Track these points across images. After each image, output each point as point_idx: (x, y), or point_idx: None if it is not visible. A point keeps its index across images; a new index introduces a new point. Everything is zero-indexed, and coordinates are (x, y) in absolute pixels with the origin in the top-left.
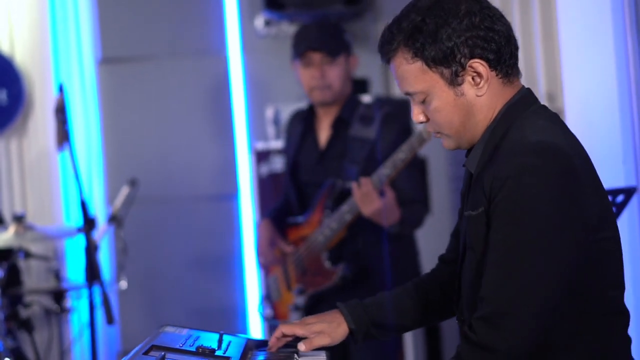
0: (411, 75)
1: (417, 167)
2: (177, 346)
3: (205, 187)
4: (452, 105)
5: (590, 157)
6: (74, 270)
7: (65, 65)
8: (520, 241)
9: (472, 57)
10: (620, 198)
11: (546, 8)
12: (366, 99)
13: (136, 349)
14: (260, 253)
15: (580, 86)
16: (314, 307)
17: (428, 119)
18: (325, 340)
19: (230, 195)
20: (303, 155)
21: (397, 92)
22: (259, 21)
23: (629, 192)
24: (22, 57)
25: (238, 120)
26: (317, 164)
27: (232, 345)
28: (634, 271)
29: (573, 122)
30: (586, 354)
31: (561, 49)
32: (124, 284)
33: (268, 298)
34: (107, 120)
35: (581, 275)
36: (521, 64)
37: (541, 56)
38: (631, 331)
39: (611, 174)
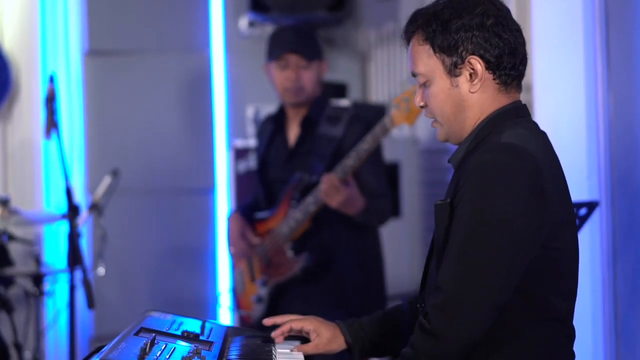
0: (418, 57)
1: (381, 164)
2: (164, 330)
3: (184, 180)
4: (446, 94)
5: None
6: (52, 255)
7: (52, 54)
8: (477, 234)
9: (472, 54)
10: (583, 211)
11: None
12: (344, 103)
13: (126, 330)
14: (231, 243)
15: (550, 104)
16: (276, 298)
17: (427, 105)
18: (333, 346)
19: (207, 189)
20: (272, 153)
21: (373, 97)
22: (243, 22)
23: (591, 206)
24: (10, 45)
25: (218, 118)
26: (285, 162)
27: (214, 331)
28: (592, 281)
29: None
30: (524, 356)
31: (533, 68)
32: (101, 271)
33: (233, 291)
34: (90, 111)
35: (528, 277)
36: None
37: None
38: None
39: (576, 188)
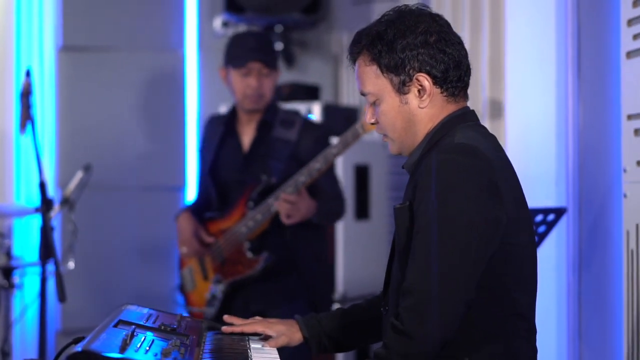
0: (367, 77)
1: (332, 165)
2: (142, 322)
3: (154, 178)
4: (396, 111)
5: (527, 178)
6: (21, 248)
7: (26, 49)
8: (438, 233)
9: (419, 71)
10: (551, 217)
11: (495, 42)
12: (317, 106)
13: (104, 321)
14: (184, 243)
15: (521, 112)
16: (231, 294)
17: (378, 122)
18: (284, 340)
19: (177, 187)
20: (225, 156)
21: (345, 100)
22: (218, 22)
23: (559, 212)
24: None
25: (190, 116)
26: (241, 165)
27: (189, 325)
28: (558, 285)
29: (513, 145)
30: (488, 351)
31: (506, 79)
32: (71, 265)
33: (181, 288)
34: (63, 106)
35: (489, 273)
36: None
37: (487, 83)
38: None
39: (544, 194)
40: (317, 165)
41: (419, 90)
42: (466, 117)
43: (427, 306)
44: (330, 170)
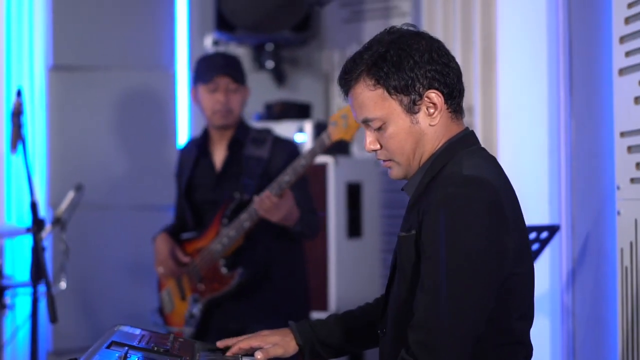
0: (371, 102)
1: (306, 180)
2: (135, 344)
3: (146, 197)
4: (406, 132)
5: (520, 196)
6: (12, 269)
7: (17, 69)
8: (450, 268)
9: (429, 88)
10: (544, 234)
11: (487, 59)
12: (308, 124)
13: (97, 343)
14: (160, 263)
15: (513, 129)
16: (209, 312)
17: (381, 147)
18: (279, 351)
19: (169, 206)
20: (198, 176)
21: None
22: (208, 40)
23: (552, 230)
24: None
25: (181, 134)
26: (214, 184)
27: (183, 346)
28: (552, 303)
29: (506, 164)
30: None
31: (498, 97)
32: (63, 285)
33: (160, 311)
34: (53, 126)
35: (494, 304)
36: None
37: (479, 100)
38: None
39: (537, 212)
40: (286, 177)
41: (428, 108)
42: (468, 140)
43: (440, 342)
44: (304, 187)
